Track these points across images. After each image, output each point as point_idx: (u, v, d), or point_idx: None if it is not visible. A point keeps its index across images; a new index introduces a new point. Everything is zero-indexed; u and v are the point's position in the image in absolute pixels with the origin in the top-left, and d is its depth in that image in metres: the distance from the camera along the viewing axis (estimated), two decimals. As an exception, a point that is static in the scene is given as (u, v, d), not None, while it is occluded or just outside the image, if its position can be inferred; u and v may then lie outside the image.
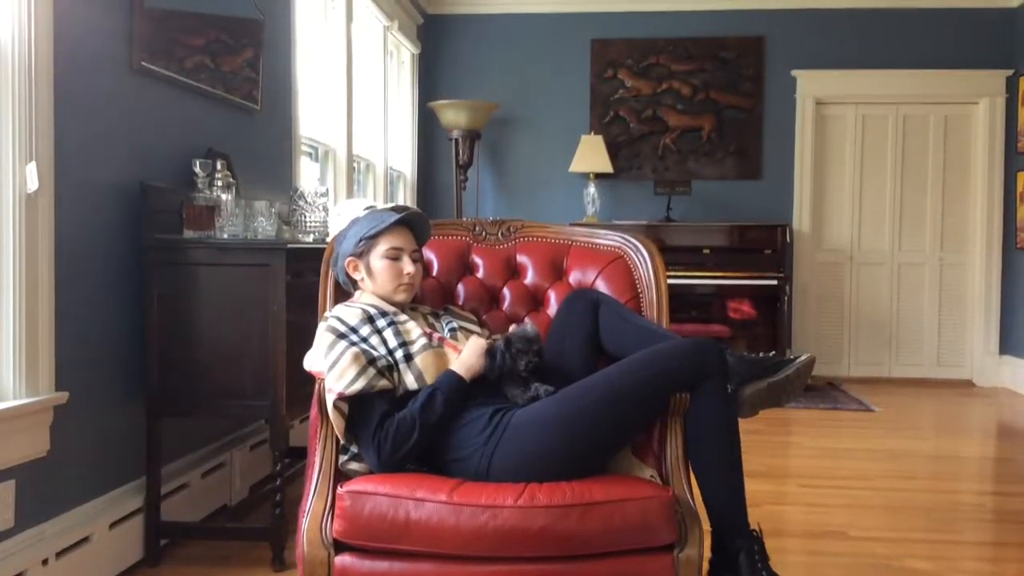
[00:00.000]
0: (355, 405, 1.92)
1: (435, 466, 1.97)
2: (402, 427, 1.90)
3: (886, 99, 6.39)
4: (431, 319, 2.21)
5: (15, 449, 2.19)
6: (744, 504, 1.97)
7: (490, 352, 2.01)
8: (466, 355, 2.01)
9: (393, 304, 2.16)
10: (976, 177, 6.36)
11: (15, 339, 2.20)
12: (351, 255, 2.16)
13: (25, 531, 2.24)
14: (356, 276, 2.18)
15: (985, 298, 6.32)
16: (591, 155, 6.16)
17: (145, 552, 2.70)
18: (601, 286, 2.32)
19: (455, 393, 1.95)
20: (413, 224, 2.21)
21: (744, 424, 2.02)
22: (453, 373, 1.98)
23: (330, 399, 1.89)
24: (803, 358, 2.04)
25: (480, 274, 2.42)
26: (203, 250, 2.67)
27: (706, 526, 1.90)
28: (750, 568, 1.90)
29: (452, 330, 2.15)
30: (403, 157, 6.24)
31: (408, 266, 2.14)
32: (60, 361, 2.35)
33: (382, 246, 2.13)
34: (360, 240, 2.13)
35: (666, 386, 1.94)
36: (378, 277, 2.14)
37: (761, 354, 2.07)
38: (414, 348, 2.02)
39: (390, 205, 2.22)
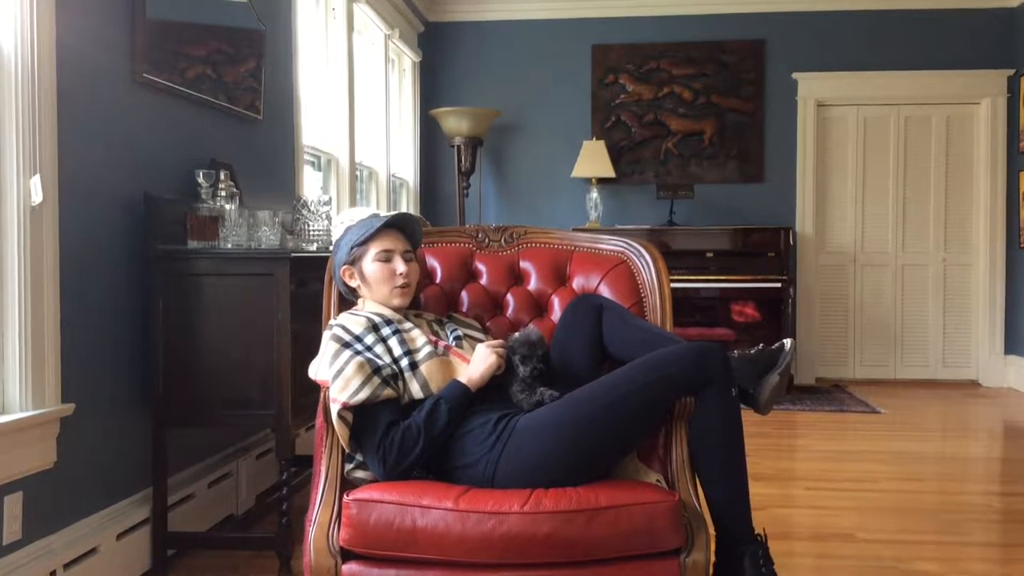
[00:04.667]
0: (360, 414, 1.92)
1: (440, 473, 1.97)
2: (407, 437, 1.90)
3: (887, 100, 6.39)
4: (435, 326, 2.21)
5: (22, 461, 2.19)
6: (748, 508, 1.97)
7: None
8: (474, 367, 2.02)
9: (395, 311, 2.16)
10: (979, 177, 6.36)
11: (21, 351, 2.21)
12: (345, 263, 2.18)
13: (33, 543, 2.25)
14: (352, 284, 2.19)
15: (989, 298, 6.31)
16: (593, 160, 6.16)
17: (152, 562, 2.71)
18: (604, 291, 2.32)
19: (460, 403, 1.96)
20: (403, 226, 2.22)
21: (750, 427, 2.02)
22: (458, 383, 1.99)
23: (335, 409, 1.89)
24: (788, 342, 2.07)
25: (483, 281, 2.42)
26: (207, 260, 2.68)
27: (711, 530, 1.90)
28: (755, 572, 1.90)
29: (457, 338, 2.15)
30: (405, 165, 6.26)
31: (400, 266, 2.14)
32: (66, 373, 2.35)
33: (373, 250, 2.14)
34: (352, 248, 2.15)
35: (670, 391, 1.94)
36: (372, 281, 2.15)
37: (754, 350, 2.07)
38: (419, 356, 2.02)
39: (394, 213, 2.23)
